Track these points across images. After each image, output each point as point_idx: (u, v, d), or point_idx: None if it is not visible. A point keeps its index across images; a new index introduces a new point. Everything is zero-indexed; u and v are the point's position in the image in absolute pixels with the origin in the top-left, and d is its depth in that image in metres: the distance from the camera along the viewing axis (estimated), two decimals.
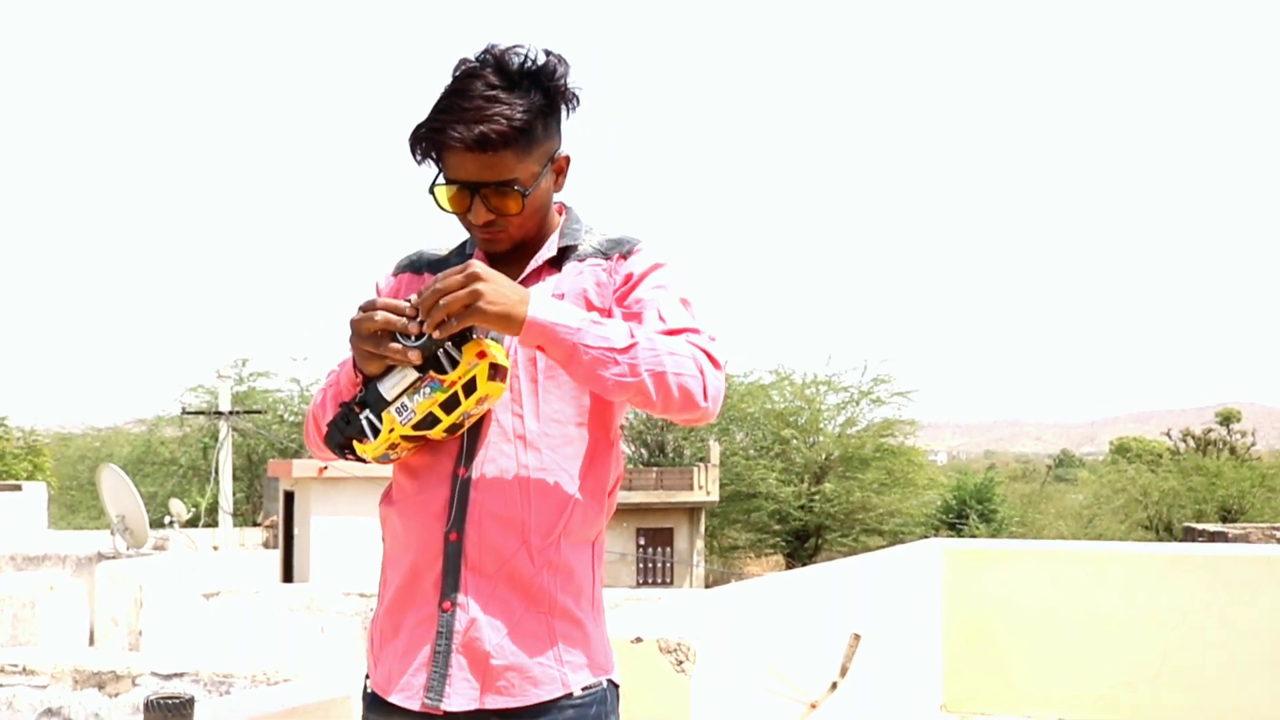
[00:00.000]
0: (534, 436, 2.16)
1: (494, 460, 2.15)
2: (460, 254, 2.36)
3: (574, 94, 2.23)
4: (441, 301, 1.97)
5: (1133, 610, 6.11)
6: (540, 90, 2.17)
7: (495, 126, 2.11)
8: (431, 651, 2.12)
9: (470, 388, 2.05)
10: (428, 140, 2.16)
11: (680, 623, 3.45)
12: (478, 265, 2.00)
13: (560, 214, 2.35)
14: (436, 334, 1.99)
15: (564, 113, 2.24)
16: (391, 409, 2.08)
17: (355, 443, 2.14)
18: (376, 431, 2.10)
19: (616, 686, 2.23)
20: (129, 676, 5.05)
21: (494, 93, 2.13)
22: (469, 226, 2.24)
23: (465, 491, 2.14)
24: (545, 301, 2.04)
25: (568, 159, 2.27)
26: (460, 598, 2.11)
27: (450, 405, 2.06)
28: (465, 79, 2.16)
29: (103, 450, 45.49)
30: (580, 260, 2.27)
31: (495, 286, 1.99)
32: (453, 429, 2.11)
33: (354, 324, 2.06)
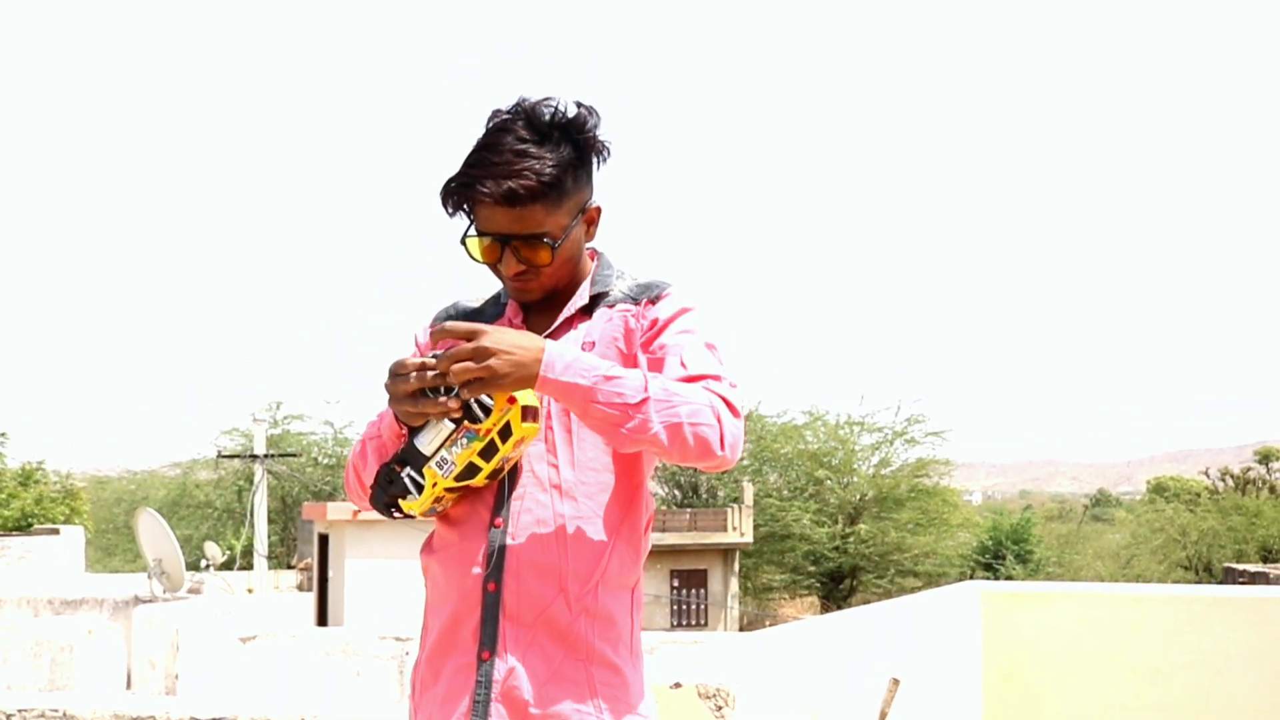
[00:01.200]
0: (569, 485, 2.19)
1: (530, 510, 2.17)
2: (495, 304, 2.39)
3: (605, 145, 2.26)
4: (455, 367, 2.01)
5: (1173, 654, 6.05)
6: (570, 143, 2.21)
7: (524, 182, 2.15)
8: (471, 700, 2.13)
9: (506, 433, 2.08)
10: (458, 194, 2.20)
11: (719, 667, 3.44)
12: (487, 336, 2.03)
13: (593, 260, 2.37)
14: (465, 392, 2.04)
15: (595, 164, 2.27)
16: (432, 463, 2.12)
17: (400, 501, 2.17)
18: (420, 488, 2.14)
19: None
20: None
21: (524, 146, 2.17)
22: (501, 277, 2.27)
23: (502, 542, 2.16)
24: (560, 357, 2.06)
25: (599, 210, 2.30)
26: (499, 647, 2.13)
27: (488, 453, 2.09)
28: (496, 133, 2.20)
29: (138, 493, 45.76)
30: (611, 307, 2.30)
31: (505, 357, 2.02)
32: (494, 475, 2.14)
33: (389, 388, 2.11)
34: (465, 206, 2.22)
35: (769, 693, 3.66)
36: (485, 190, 2.16)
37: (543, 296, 2.29)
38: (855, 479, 42.26)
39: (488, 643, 2.14)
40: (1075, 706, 6.19)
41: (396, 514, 2.21)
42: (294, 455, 37.52)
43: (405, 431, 2.18)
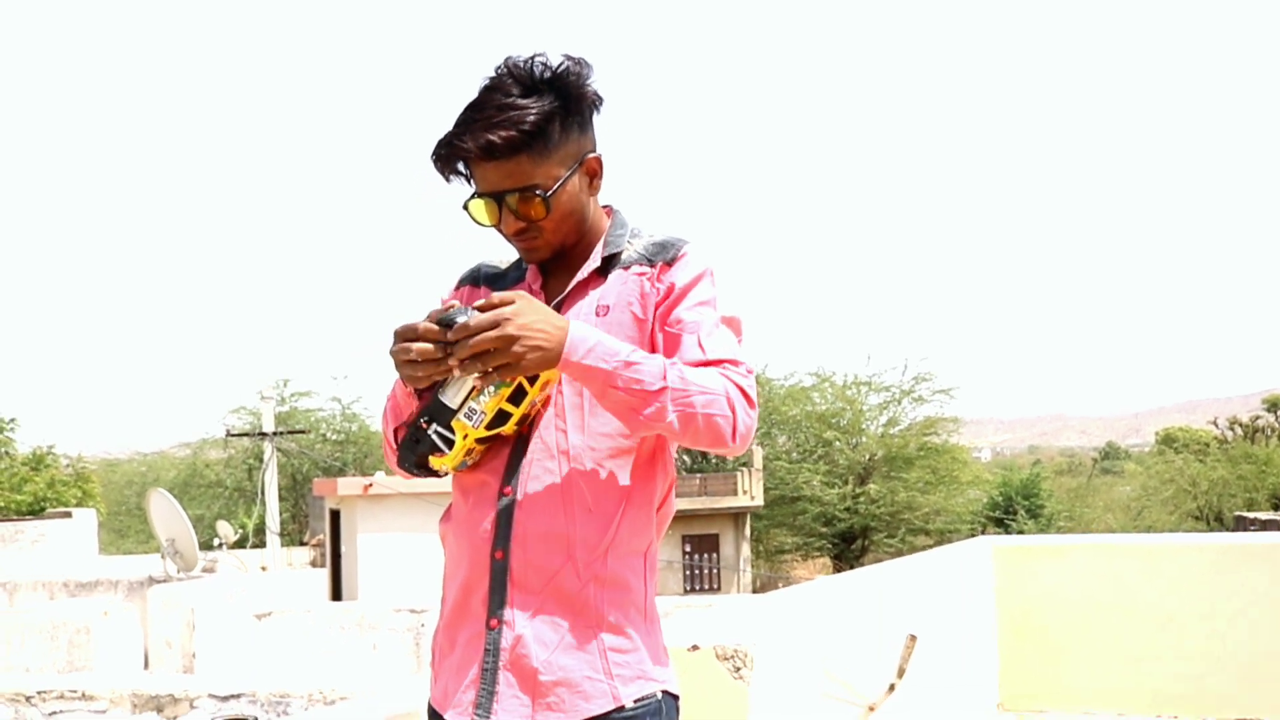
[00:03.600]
0: (578, 451, 2.16)
1: (538, 478, 2.15)
2: (517, 269, 2.35)
3: (596, 95, 2.22)
4: (470, 341, 1.98)
5: (1189, 602, 6.04)
6: (557, 93, 2.17)
7: (502, 132, 2.12)
8: (480, 668, 2.13)
9: (532, 376, 2.06)
10: (445, 154, 2.17)
11: (736, 629, 3.44)
12: (513, 323, 1.99)
13: (608, 217, 2.33)
14: (458, 371, 2.01)
15: (589, 115, 2.23)
16: (460, 416, 2.08)
17: (431, 458, 2.15)
18: (449, 443, 2.10)
19: (675, 697, 2.21)
20: (187, 699, 5.07)
21: (509, 100, 2.14)
22: (508, 239, 2.25)
23: (510, 510, 2.14)
24: (584, 341, 2.04)
25: (599, 160, 2.25)
26: (506, 615, 2.12)
27: (517, 397, 2.08)
28: (485, 92, 2.17)
29: (149, 475, 45.88)
30: (625, 268, 2.25)
31: (528, 343, 1.99)
32: (524, 420, 2.13)
33: (394, 360, 2.08)
34: (462, 170, 2.20)
35: (787, 653, 3.65)
36: (466, 146, 2.14)
37: (552, 255, 2.25)
38: (864, 439, 42.23)
39: (496, 611, 2.13)
40: (1091, 658, 6.19)
41: (427, 473, 2.19)
42: (302, 432, 37.51)
43: (417, 394, 2.16)
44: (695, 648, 3.24)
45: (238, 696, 4.96)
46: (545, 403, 2.16)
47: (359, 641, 11.02)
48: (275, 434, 28.55)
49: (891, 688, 4.34)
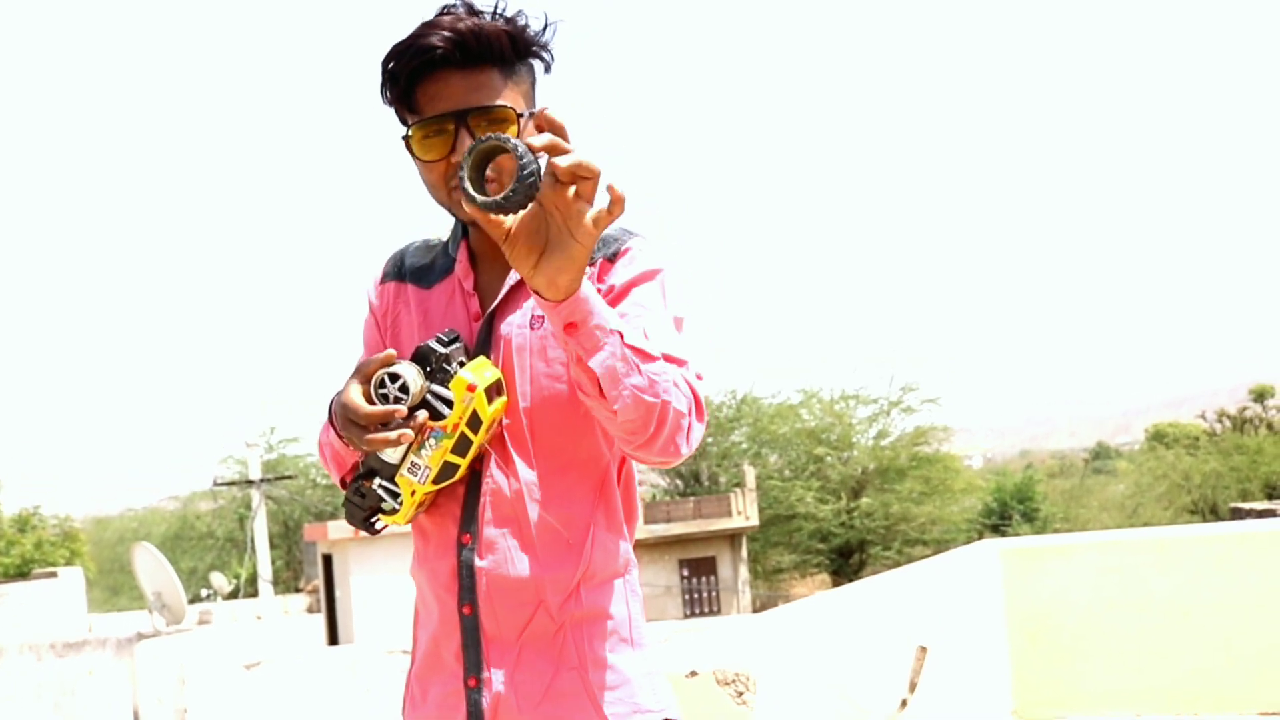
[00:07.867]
0: (531, 485, 1.94)
1: (493, 521, 1.94)
2: (444, 255, 2.10)
3: (549, 49, 1.99)
4: (578, 179, 1.64)
5: (1201, 596, 5.87)
6: (514, 27, 1.94)
7: (484, 25, 1.89)
8: None
9: (475, 423, 1.87)
10: (406, 58, 1.90)
11: (735, 651, 3.25)
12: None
13: None
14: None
15: (538, 70, 2.00)
16: (403, 471, 1.91)
17: (381, 514, 1.96)
18: (395, 495, 1.92)
19: None
20: None
21: (474, 12, 1.91)
22: (449, 193, 1.95)
23: (470, 560, 1.94)
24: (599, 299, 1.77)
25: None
26: (484, 674, 1.93)
27: (462, 448, 1.89)
28: (440, 11, 1.93)
29: (140, 530, 45.62)
30: None
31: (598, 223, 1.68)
32: (473, 463, 1.94)
33: (348, 427, 1.86)
34: (406, 97, 1.94)
35: (791, 674, 3.46)
36: (441, 34, 1.88)
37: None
38: (855, 453, 42.15)
39: (472, 669, 1.93)
40: (1105, 659, 6.01)
41: (378, 527, 2.00)
42: (290, 478, 37.18)
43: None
44: (694, 674, 3.03)
45: None
46: (496, 439, 1.95)
47: (351, 686, 10.81)
48: (262, 481, 28.29)
49: (904, 703, 4.14)
